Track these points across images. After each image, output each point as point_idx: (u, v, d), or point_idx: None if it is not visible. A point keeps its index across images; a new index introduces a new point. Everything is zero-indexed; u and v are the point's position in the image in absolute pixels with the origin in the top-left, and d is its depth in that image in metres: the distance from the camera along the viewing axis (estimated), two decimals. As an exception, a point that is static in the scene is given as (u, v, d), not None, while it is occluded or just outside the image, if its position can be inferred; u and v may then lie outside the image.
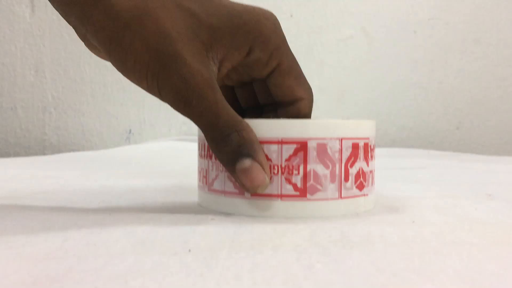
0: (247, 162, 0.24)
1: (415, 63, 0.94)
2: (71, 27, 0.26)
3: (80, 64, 0.88)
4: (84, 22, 0.25)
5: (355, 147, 0.27)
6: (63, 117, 0.88)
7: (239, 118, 0.25)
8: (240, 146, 0.24)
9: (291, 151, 0.25)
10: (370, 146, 0.28)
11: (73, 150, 0.85)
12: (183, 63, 0.24)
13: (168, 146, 0.78)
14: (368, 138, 0.28)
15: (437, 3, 0.92)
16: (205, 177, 0.28)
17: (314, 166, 0.25)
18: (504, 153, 0.94)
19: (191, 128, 0.90)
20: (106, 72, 0.88)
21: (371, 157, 0.28)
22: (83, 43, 0.27)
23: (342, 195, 0.26)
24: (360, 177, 0.27)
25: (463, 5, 0.92)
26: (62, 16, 0.26)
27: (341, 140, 0.26)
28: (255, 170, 0.24)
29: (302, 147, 0.25)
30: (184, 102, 0.25)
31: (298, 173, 0.25)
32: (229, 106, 0.25)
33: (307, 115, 0.29)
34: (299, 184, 0.26)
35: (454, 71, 0.94)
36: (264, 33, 0.27)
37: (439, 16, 0.92)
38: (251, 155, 0.24)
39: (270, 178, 0.25)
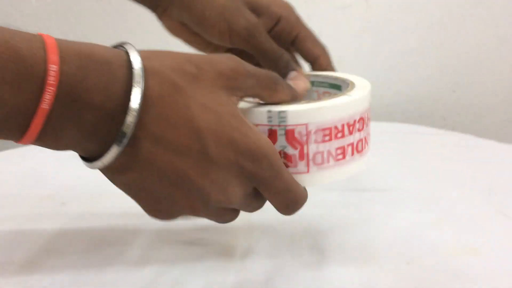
0: (293, 73, 0.36)
1: (414, 27, 0.94)
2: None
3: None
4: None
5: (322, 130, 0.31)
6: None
7: (280, 48, 0.37)
8: (288, 62, 0.37)
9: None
10: (344, 125, 0.32)
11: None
12: (240, 16, 0.36)
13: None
14: (340, 120, 0.31)
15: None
16: None
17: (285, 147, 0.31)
18: (499, 115, 0.98)
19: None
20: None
21: (343, 135, 0.32)
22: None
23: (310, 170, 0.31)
24: (329, 154, 0.32)
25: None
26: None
27: (306, 125, 0.30)
28: (300, 77, 0.36)
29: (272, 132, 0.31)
30: (248, 38, 0.37)
31: None
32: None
33: (328, 67, 0.40)
34: None
35: (454, 34, 0.94)
36: (286, 12, 0.38)
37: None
38: (295, 68, 0.37)
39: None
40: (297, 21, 0.39)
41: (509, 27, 0.94)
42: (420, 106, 0.99)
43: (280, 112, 0.30)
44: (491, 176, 0.60)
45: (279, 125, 0.30)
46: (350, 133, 0.32)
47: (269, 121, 0.30)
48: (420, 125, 0.85)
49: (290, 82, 0.33)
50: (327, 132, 0.31)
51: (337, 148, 0.32)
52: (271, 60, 0.36)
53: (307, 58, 0.40)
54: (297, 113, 0.30)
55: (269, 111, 0.30)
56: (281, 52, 0.36)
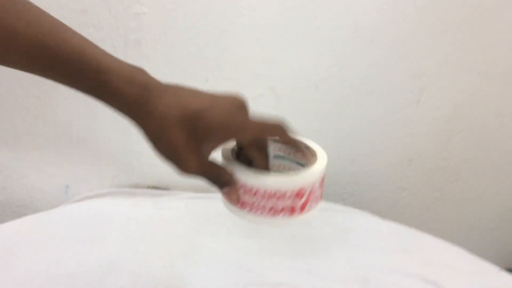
0: (225, 189, 0.46)
1: (316, 114, 1.08)
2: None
3: (17, 134, 0.99)
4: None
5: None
6: (7, 180, 1.01)
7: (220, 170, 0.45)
8: (225, 181, 0.46)
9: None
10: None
11: (19, 206, 1.00)
12: (186, 161, 0.43)
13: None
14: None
15: (336, 62, 1.04)
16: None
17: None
18: (386, 181, 1.15)
19: (121, 180, 1.05)
20: (40, 139, 1.00)
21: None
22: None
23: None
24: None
25: (358, 63, 1.04)
26: None
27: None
28: (229, 192, 0.46)
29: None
30: (194, 176, 0.44)
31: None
32: (214, 166, 0.45)
33: (289, 139, 0.49)
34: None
35: (349, 119, 1.10)
36: (236, 131, 0.43)
37: (337, 73, 1.05)
38: (229, 185, 0.46)
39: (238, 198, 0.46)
40: (251, 129, 0.43)
41: (395, 110, 1.10)
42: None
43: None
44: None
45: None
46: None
47: None
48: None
49: (223, 190, 0.46)
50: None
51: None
52: (213, 180, 0.45)
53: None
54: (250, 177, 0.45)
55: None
56: (219, 174, 0.45)
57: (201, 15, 0.95)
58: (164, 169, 1.07)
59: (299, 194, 0.45)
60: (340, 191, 1.16)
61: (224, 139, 0.42)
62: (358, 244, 0.88)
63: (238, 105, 0.42)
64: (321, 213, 0.99)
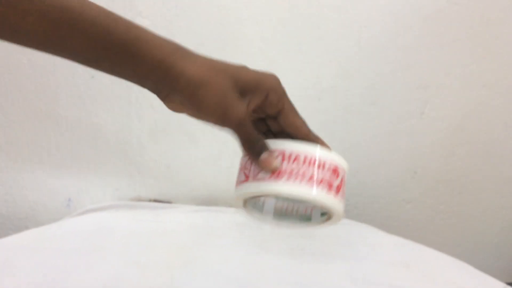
0: (265, 154, 0.42)
1: (319, 125, 1.07)
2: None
3: (19, 147, 0.99)
4: (165, 89, 0.41)
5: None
6: (9, 192, 1.00)
7: (259, 135, 0.44)
8: (261, 147, 0.43)
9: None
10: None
11: (21, 219, 1.00)
12: (234, 107, 0.41)
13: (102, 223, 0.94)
14: None
15: (338, 73, 1.03)
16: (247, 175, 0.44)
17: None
18: (389, 193, 1.14)
19: (123, 193, 1.04)
20: (42, 151, 1.00)
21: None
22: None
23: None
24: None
25: (361, 74, 1.04)
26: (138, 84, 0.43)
27: None
28: (269, 158, 0.42)
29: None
30: (237, 127, 0.42)
31: None
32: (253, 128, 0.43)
33: (309, 135, 0.46)
34: None
35: (352, 131, 1.09)
36: (274, 86, 0.43)
37: (340, 84, 1.04)
38: (267, 151, 0.43)
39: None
40: (282, 95, 0.44)
41: (399, 122, 1.09)
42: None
43: None
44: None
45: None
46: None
47: None
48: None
49: (262, 156, 0.43)
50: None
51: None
52: (251, 142, 0.44)
53: (290, 128, 0.45)
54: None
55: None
56: (259, 137, 0.44)
57: (203, 27, 0.94)
58: (165, 181, 1.07)
59: (335, 172, 0.42)
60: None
61: (264, 93, 0.43)
62: (360, 257, 0.87)
63: (268, 72, 0.44)
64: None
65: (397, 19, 0.99)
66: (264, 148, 0.43)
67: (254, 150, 0.43)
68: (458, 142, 1.13)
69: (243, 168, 0.45)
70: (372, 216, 1.17)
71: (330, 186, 0.41)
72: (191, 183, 1.08)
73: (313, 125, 1.05)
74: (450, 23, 1.01)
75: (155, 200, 1.07)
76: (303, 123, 0.45)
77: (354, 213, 1.17)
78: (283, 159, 0.42)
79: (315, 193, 0.40)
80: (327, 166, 0.41)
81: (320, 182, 0.41)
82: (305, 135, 0.45)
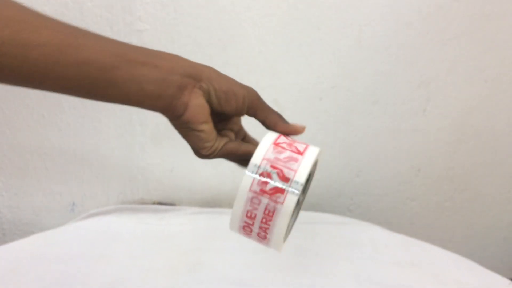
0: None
1: (321, 125, 1.07)
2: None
3: (22, 152, 1.00)
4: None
5: None
6: (14, 198, 1.01)
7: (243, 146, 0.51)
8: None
9: None
10: None
11: (26, 224, 1.00)
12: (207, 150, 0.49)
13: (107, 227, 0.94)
14: None
15: (339, 72, 1.03)
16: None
17: None
18: (394, 192, 1.13)
19: (126, 196, 1.05)
20: (45, 157, 1.00)
21: None
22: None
23: None
24: None
25: (362, 73, 1.03)
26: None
27: None
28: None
29: None
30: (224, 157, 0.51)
31: None
32: None
33: (285, 126, 0.52)
34: None
35: (355, 130, 1.08)
36: (248, 93, 0.48)
37: (341, 83, 1.04)
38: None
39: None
40: (257, 99, 0.50)
41: (401, 120, 1.09)
42: (330, 189, 1.13)
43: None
44: None
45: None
46: None
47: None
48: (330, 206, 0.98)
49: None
50: None
51: None
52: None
53: (267, 124, 0.51)
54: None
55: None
56: (244, 148, 0.51)
57: (203, 30, 0.94)
58: (169, 184, 1.07)
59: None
60: (347, 202, 1.15)
61: (237, 104, 0.47)
62: (365, 257, 0.87)
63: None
64: (327, 226, 0.98)
65: (398, 16, 0.99)
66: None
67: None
68: (462, 138, 1.12)
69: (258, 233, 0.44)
70: (377, 214, 1.17)
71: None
72: (195, 186, 1.08)
73: (315, 125, 1.05)
74: (451, 19, 1.00)
75: (159, 203, 1.08)
76: (279, 117, 0.51)
77: (358, 212, 1.16)
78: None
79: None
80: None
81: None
82: (280, 128, 0.51)
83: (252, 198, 0.41)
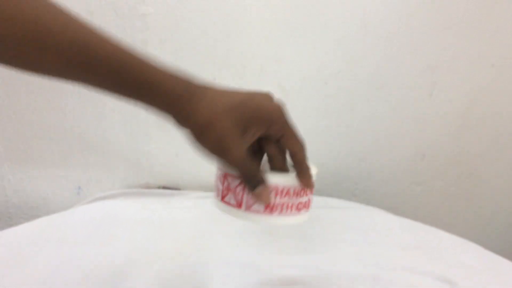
0: (260, 188, 0.45)
1: (326, 110, 1.07)
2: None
3: (28, 137, 1.00)
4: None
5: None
6: (20, 182, 1.01)
7: (257, 168, 0.46)
8: (258, 181, 0.45)
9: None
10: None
11: (32, 208, 1.01)
12: (232, 149, 0.44)
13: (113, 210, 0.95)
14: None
15: (345, 57, 1.03)
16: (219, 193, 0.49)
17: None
18: (399, 177, 1.13)
19: (132, 181, 1.05)
20: (51, 142, 1.01)
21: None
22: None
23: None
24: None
25: (367, 58, 1.03)
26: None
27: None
28: (264, 192, 0.45)
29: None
30: (236, 165, 0.45)
31: None
32: (252, 162, 0.46)
33: (302, 160, 0.50)
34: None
35: (360, 115, 1.08)
36: (276, 119, 0.46)
37: (346, 68, 1.03)
38: (263, 184, 0.45)
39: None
40: (284, 125, 0.47)
41: (406, 105, 1.08)
42: (335, 174, 1.13)
43: None
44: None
45: None
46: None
47: None
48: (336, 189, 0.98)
49: (257, 190, 0.46)
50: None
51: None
52: (249, 177, 0.46)
53: (288, 152, 0.49)
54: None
55: None
56: (256, 172, 0.47)
57: (207, 14, 0.94)
58: (174, 169, 1.08)
59: (311, 191, 0.50)
60: (351, 187, 1.15)
61: (266, 125, 0.45)
62: (370, 241, 0.87)
63: (272, 98, 0.46)
64: (332, 210, 0.98)
65: (402, 1, 0.98)
66: (262, 181, 0.45)
67: (251, 183, 0.45)
68: (467, 123, 1.12)
69: (232, 190, 0.48)
70: (382, 200, 1.17)
71: (309, 203, 0.50)
72: (200, 170, 1.08)
73: (320, 109, 1.05)
74: (457, 4, 0.99)
75: (164, 187, 1.08)
76: (301, 148, 0.48)
77: (363, 197, 1.16)
78: (276, 194, 0.46)
79: (301, 217, 0.49)
80: (308, 191, 0.49)
81: (304, 205, 0.49)
82: (298, 162, 0.48)
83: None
